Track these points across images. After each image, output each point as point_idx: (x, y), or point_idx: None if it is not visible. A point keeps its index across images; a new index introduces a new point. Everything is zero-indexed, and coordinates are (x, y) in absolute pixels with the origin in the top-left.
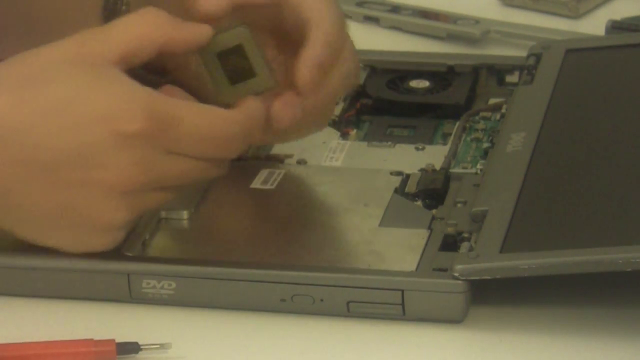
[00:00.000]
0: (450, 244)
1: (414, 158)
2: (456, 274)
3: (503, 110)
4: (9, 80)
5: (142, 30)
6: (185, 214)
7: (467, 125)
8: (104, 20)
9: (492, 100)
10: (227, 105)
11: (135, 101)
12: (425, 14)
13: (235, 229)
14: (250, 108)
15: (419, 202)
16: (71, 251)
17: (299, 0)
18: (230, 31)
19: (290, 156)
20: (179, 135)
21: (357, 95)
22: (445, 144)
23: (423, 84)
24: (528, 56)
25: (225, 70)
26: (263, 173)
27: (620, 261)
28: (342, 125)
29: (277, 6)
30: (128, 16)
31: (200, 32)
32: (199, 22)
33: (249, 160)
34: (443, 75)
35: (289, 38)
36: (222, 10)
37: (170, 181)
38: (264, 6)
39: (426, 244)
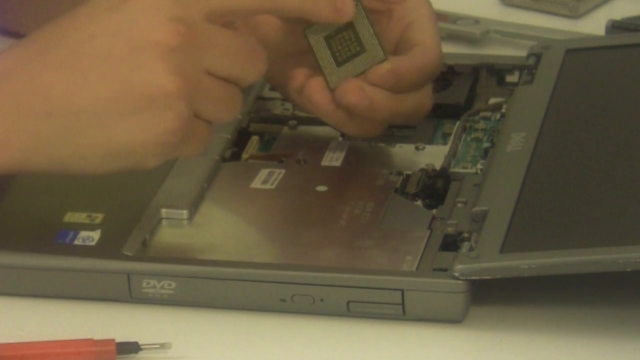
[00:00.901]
0: (450, 244)
1: (414, 158)
2: (456, 274)
3: (503, 110)
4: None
5: None
6: (185, 214)
7: (467, 125)
8: None
9: (492, 100)
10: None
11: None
12: None
13: (235, 229)
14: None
15: (419, 202)
16: (146, 145)
17: (413, 21)
18: None
19: (290, 156)
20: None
21: None
22: (445, 144)
23: None
24: (528, 56)
25: (333, 51)
26: (263, 173)
27: (620, 261)
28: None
29: (387, 15)
30: None
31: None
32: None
33: (250, 160)
34: (443, 75)
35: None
36: None
37: (217, 54)
38: (375, 12)
39: (426, 244)
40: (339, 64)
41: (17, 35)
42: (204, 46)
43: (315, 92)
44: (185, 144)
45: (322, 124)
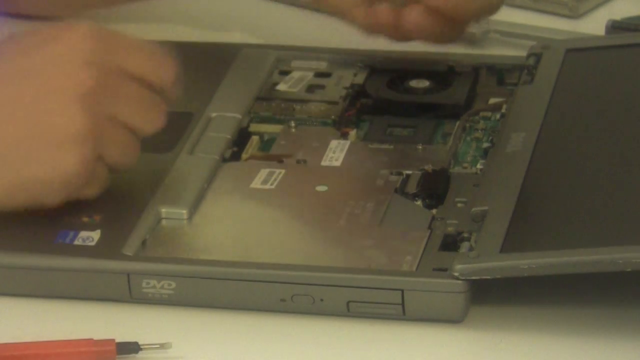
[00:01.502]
0: (450, 243)
1: (414, 158)
2: (456, 274)
3: (503, 110)
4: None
5: None
6: (185, 214)
7: (467, 125)
8: None
9: (492, 100)
10: None
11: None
12: None
13: (235, 229)
14: None
15: (419, 202)
16: (50, 184)
17: None
18: None
19: (290, 156)
20: (122, 45)
21: (357, 95)
22: (445, 144)
23: (423, 83)
24: (528, 56)
25: None
26: (263, 173)
27: (620, 261)
28: (342, 125)
29: None
30: None
31: None
32: None
33: (250, 160)
34: (443, 75)
35: None
36: None
37: (123, 102)
38: None
39: (426, 244)
40: None
41: (28, 18)
42: (113, 93)
43: (405, 13)
44: (87, 185)
45: (322, 124)
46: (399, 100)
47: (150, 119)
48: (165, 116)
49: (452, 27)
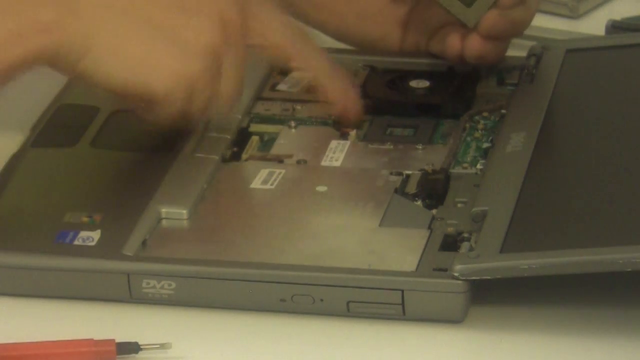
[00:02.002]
0: (450, 244)
1: (414, 158)
2: (456, 274)
3: (503, 110)
4: None
5: None
6: (185, 214)
7: (467, 125)
8: None
9: (492, 100)
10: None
11: None
12: None
13: (235, 229)
14: None
15: (419, 202)
16: (162, 76)
17: None
18: None
19: (290, 156)
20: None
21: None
22: (445, 144)
23: (423, 84)
24: (528, 56)
25: None
26: (263, 173)
27: (620, 261)
28: (342, 125)
29: None
30: None
31: None
32: None
33: (250, 160)
34: (443, 75)
35: None
36: None
37: (243, 49)
38: None
39: (426, 244)
40: (468, 5)
41: None
42: (243, 30)
43: (467, 44)
44: (192, 98)
45: (322, 124)
46: (398, 100)
47: (241, 84)
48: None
49: (502, 46)
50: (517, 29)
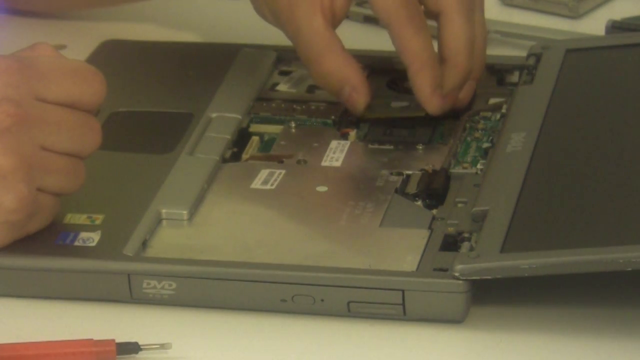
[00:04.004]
0: (450, 244)
1: (414, 158)
2: (456, 274)
3: (503, 110)
4: None
5: None
6: (185, 215)
7: (467, 125)
8: None
9: (492, 100)
10: None
11: None
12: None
13: (235, 229)
14: None
15: (419, 202)
16: None
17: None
18: None
19: (290, 156)
20: (42, 72)
21: None
22: (445, 144)
23: None
24: (528, 56)
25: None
26: (263, 173)
27: (621, 261)
28: (342, 125)
29: None
30: None
31: None
32: None
33: (250, 161)
34: None
35: None
36: None
37: (52, 130)
38: None
39: (426, 244)
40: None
41: (28, 14)
42: (36, 124)
43: (428, 107)
44: (31, 220)
45: (322, 124)
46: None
47: (85, 140)
48: (100, 133)
49: (466, 91)
50: (474, 76)
